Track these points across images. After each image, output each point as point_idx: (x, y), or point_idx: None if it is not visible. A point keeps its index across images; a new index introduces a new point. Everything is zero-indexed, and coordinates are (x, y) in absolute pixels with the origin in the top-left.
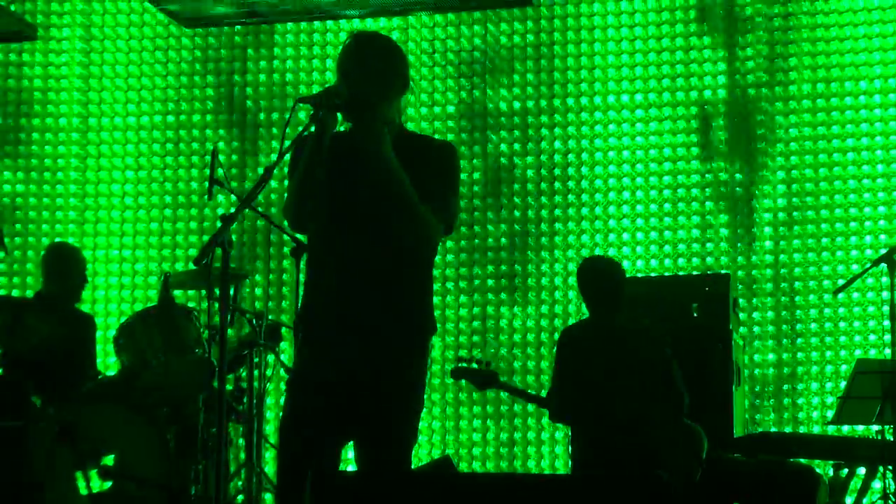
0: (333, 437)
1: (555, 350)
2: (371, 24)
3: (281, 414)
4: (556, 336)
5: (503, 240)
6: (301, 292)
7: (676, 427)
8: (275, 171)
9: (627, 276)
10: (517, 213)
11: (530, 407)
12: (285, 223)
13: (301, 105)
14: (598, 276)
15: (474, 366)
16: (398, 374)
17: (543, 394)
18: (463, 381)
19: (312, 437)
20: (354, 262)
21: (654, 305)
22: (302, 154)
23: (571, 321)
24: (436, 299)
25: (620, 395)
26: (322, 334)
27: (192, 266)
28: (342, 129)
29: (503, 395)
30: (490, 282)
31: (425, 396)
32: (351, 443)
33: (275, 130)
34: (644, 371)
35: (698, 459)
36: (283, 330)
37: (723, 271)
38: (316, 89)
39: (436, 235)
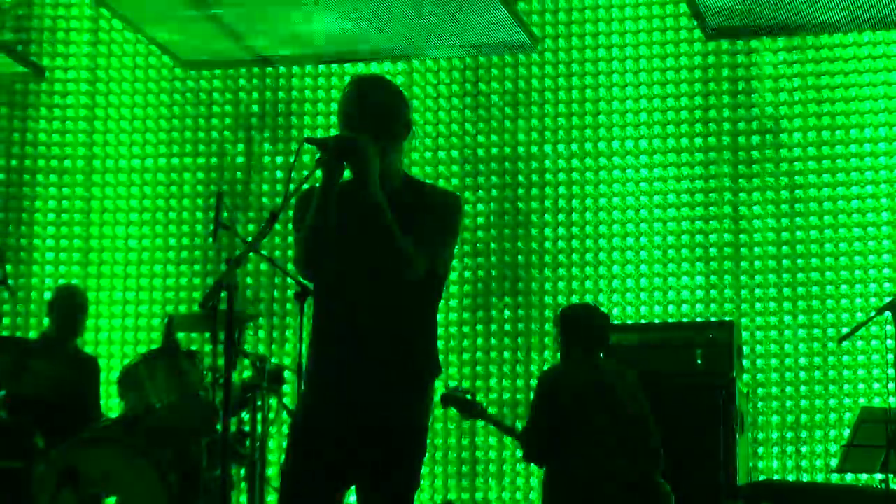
0: (335, 483)
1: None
2: (376, 68)
3: (283, 458)
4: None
5: (506, 284)
6: (304, 337)
7: (650, 483)
8: (280, 215)
9: (631, 322)
10: (520, 258)
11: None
12: (289, 266)
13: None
14: (591, 318)
15: (459, 395)
16: (400, 418)
17: None
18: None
19: (314, 483)
20: (358, 307)
21: (658, 352)
22: (310, 203)
23: None
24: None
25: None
26: (324, 379)
27: (196, 309)
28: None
29: (507, 440)
30: (493, 326)
31: (427, 441)
32: (353, 488)
33: (279, 174)
34: (631, 421)
35: None
36: (286, 373)
37: (727, 318)
38: (321, 133)
39: (418, 270)
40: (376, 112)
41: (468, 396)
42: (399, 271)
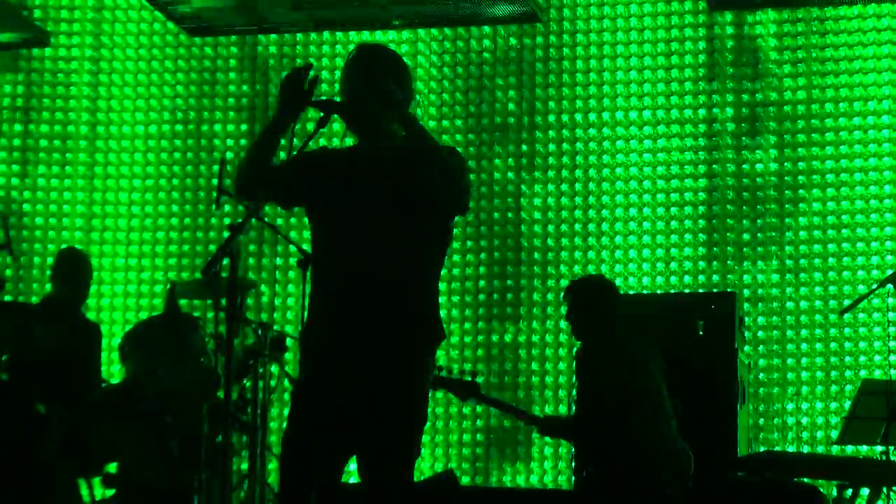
0: (336, 450)
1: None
2: (380, 37)
3: (284, 426)
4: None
5: (509, 254)
6: (306, 304)
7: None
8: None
9: (633, 292)
10: (523, 228)
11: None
12: (293, 234)
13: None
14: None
15: (455, 376)
16: (400, 385)
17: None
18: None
19: (314, 450)
20: (359, 273)
21: (660, 323)
22: (309, 158)
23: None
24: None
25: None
26: (324, 346)
27: (198, 275)
28: (349, 141)
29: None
30: (496, 296)
31: (429, 410)
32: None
33: (283, 142)
34: (649, 387)
35: (685, 478)
36: (288, 340)
37: (728, 289)
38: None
39: (462, 182)
40: (378, 79)
41: (467, 378)
42: (453, 197)
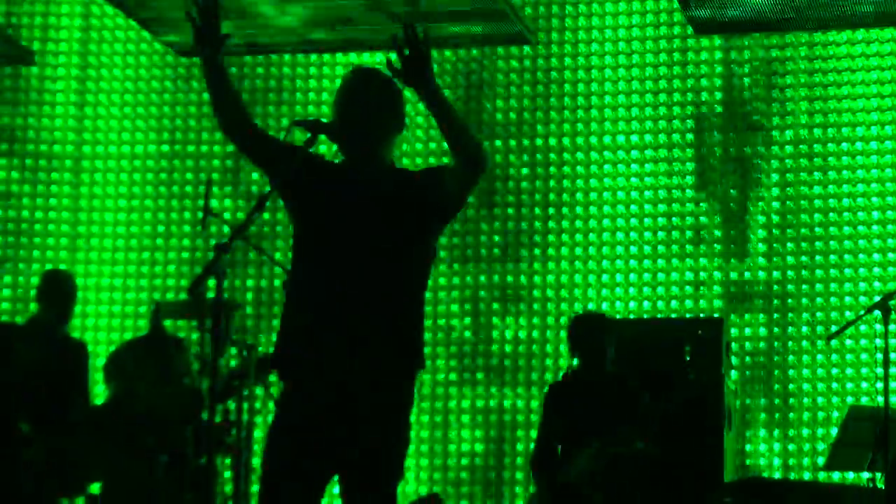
0: (317, 472)
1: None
2: (367, 59)
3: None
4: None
5: (495, 277)
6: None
7: None
8: (267, 203)
9: (620, 317)
10: (510, 252)
11: (519, 446)
12: (277, 255)
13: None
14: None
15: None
16: (384, 407)
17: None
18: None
19: (296, 472)
20: (344, 295)
21: (647, 347)
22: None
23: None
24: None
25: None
26: (305, 368)
27: (183, 296)
28: (336, 161)
29: (492, 432)
30: (482, 319)
31: (413, 434)
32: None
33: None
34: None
35: None
36: None
37: (716, 315)
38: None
39: (484, 159)
40: (372, 104)
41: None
42: (476, 164)
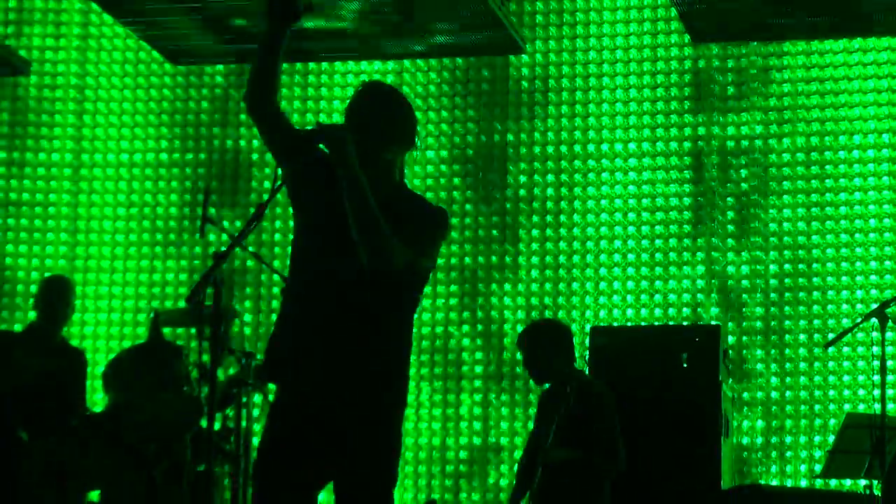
0: (312, 477)
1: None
2: (366, 68)
3: (257, 451)
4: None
5: (493, 285)
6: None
7: None
8: (265, 211)
9: (618, 324)
10: (507, 260)
11: (517, 454)
12: (276, 263)
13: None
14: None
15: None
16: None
17: None
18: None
19: (290, 477)
20: (328, 295)
21: (644, 355)
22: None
23: None
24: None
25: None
26: (301, 374)
27: (182, 304)
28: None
29: (491, 439)
30: (479, 327)
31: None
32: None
33: (267, 171)
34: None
35: None
36: None
37: (713, 322)
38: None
39: (393, 257)
40: (381, 119)
41: None
42: (379, 254)
